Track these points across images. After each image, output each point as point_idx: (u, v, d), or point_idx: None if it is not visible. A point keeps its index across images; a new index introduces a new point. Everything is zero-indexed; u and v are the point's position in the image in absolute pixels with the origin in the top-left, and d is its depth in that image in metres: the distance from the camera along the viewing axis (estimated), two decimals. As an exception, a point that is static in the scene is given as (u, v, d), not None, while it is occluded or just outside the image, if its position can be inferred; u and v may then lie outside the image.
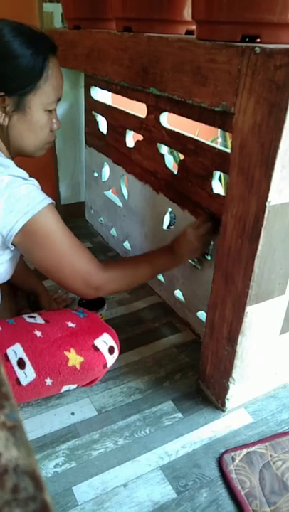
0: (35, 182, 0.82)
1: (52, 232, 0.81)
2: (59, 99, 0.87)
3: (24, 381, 0.85)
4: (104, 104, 1.52)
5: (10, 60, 0.77)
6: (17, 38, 0.77)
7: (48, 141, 0.89)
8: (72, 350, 0.88)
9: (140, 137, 1.30)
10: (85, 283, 0.88)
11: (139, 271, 0.97)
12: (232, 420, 0.99)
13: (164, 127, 1.17)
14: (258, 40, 0.71)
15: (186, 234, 1.00)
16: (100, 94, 1.60)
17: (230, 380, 0.93)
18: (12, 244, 0.80)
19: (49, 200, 0.80)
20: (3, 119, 0.81)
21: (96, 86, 1.57)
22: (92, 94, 1.60)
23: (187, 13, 0.93)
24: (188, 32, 0.97)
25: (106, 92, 1.55)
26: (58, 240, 0.82)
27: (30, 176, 0.81)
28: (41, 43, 0.80)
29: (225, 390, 0.96)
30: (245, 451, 0.91)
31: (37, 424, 0.96)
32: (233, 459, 0.89)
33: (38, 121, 0.83)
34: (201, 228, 1.00)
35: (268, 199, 0.70)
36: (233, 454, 0.90)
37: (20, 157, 0.90)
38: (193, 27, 0.92)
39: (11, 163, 0.82)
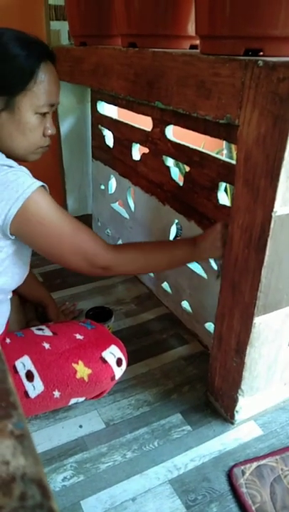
0: (24, 169, 0.80)
1: (46, 214, 0.78)
2: (53, 105, 0.85)
3: (32, 394, 0.85)
4: (111, 118, 1.54)
5: (1, 60, 0.77)
6: (11, 41, 0.78)
7: (41, 145, 0.87)
8: (80, 362, 0.88)
9: (146, 150, 1.31)
10: (92, 263, 0.85)
11: (153, 256, 0.92)
12: (241, 433, 0.98)
13: (169, 140, 1.18)
14: (261, 53, 0.72)
15: (215, 229, 0.92)
16: (106, 109, 1.62)
17: (239, 392, 0.92)
18: (11, 234, 0.78)
19: (39, 183, 0.78)
20: None
21: (102, 100, 1.59)
22: (98, 109, 1.62)
23: (191, 29, 0.95)
24: (193, 47, 0.98)
25: (112, 106, 1.57)
26: (54, 221, 0.79)
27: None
28: (36, 47, 0.80)
29: (234, 402, 0.95)
30: (255, 464, 0.90)
31: (45, 437, 0.96)
32: (243, 473, 0.88)
33: (27, 122, 0.82)
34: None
35: (274, 209, 0.70)
36: (243, 467, 0.89)
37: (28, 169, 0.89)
38: (197, 42, 0.94)
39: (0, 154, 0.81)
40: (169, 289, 1.37)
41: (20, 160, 0.88)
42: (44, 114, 0.84)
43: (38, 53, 0.80)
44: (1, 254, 0.81)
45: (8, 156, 0.86)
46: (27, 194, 0.75)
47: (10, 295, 0.93)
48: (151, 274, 1.45)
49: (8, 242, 0.80)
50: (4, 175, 0.75)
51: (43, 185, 0.79)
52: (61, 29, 1.58)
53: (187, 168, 1.13)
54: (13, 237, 0.79)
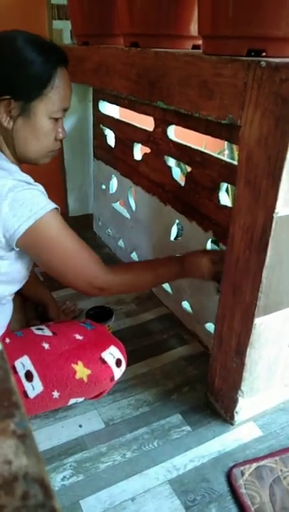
0: (40, 187, 0.82)
1: (54, 237, 0.81)
2: (66, 110, 0.87)
3: (32, 394, 0.85)
4: (112, 118, 1.54)
5: (19, 65, 0.78)
6: (28, 46, 0.79)
7: (53, 149, 0.89)
8: (79, 362, 0.88)
9: (148, 150, 1.31)
10: (91, 284, 0.88)
11: (143, 278, 0.97)
12: (241, 434, 0.98)
13: (171, 140, 1.18)
14: (264, 54, 0.72)
15: (201, 262, 0.97)
16: (108, 108, 1.62)
17: (239, 392, 0.92)
18: (17, 246, 0.80)
19: (52, 206, 0.80)
20: (7, 123, 0.81)
21: (104, 100, 1.59)
22: (100, 108, 1.62)
23: (193, 29, 0.95)
24: (195, 47, 0.98)
25: (114, 105, 1.57)
26: (61, 244, 0.82)
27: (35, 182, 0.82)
28: (52, 53, 0.82)
29: (234, 402, 0.95)
30: (254, 465, 0.90)
31: (45, 437, 0.96)
32: (243, 474, 0.88)
33: (42, 127, 0.83)
34: (218, 266, 0.95)
35: (275, 210, 0.70)
36: (242, 468, 0.89)
37: (30, 168, 0.90)
38: (200, 42, 0.94)
39: (15, 168, 0.82)
40: (169, 289, 1.37)
41: (31, 163, 0.90)
42: (57, 119, 0.86)
43: (54, 59, 0.81)
44: (3, 262, 0.82)
45: (23, 160, 0.88)
46: (39, 215, 0.77)
47: (12, 296, 0.93)
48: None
49: (12, 253, 0.82)
50: (21, 191, 0.76)
51: (56, 208, 0.82)
52: (63, 28, 1.58)
53: (189, 169, 1.13)
54: (18, 249, 0.81)
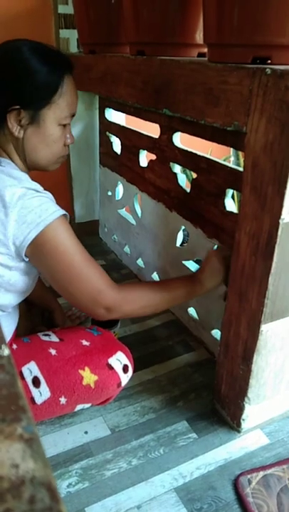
0: (49, 195, 0.83)
1: (62, 243, 0.80)
2: (73, 115, 0.89)
3: (39, 400, 0.85)
4: (118, 125, 1.55)
5: (27, 75, 0.80)
6: (35, 56, 0.80)
7: (62, 154, 0.91)
8: (86, 368, 0.88)
9: (153, 157, 1.32)
10: (94, 300, 0.84)
11: (156, 296, 0.91)
12: (248, 441, 0.97)
13: (176, 147, 1.18)
14: (269, 61, 0.73)
15: (209, 257, 0.95)
16: (114, 116, 1.63)
17: (246, 399, 0.92)
18: (26, 255, 0.80)
19: (61, 212, 0.80)
20: (18, 132, 0.83)
21: (110, 107, 1.61)
22: (106, 116, 1.64)
23: (199, 37, 0.95)
24: (200, 55, 0.99)
25: (120, 113, 1.58)
26: (67, 251, 0.81)
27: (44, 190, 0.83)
28: (58, 60, 0.84)
29: (240, 410, 0.94)
30: (261, 473, 0.89)
31: (50, 443, 0.96)
32: (250, 482, 0.87)
33: (51, 134, 0.85)
34: (225, 251, 0.95)
35: (281, 216, 0.70)
36: (249, 476, 0.88)
37: (36, 175, 0.91)
38: (205, 50, 0.95)
39: (25, 176, 0.83)
40: (175, 296, 1.37)
41: (41, 170, 0.92)
42: (65, 125, 0.88)
43: (61, 67, 0.83)
44: (11, 273, 0.83)
45: (33, 168, 0.90)
46: (48, 221, 0.77)
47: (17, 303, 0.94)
48: (158, 279, 1.45)
49: (21, 264, 0.83)
50: (30, 199, 0.77)
51: (64, 214, 0.82)
52: (70, 37, 1.60)
53: (194, 175, 1.13)
54: (27, 260, 0.81)
